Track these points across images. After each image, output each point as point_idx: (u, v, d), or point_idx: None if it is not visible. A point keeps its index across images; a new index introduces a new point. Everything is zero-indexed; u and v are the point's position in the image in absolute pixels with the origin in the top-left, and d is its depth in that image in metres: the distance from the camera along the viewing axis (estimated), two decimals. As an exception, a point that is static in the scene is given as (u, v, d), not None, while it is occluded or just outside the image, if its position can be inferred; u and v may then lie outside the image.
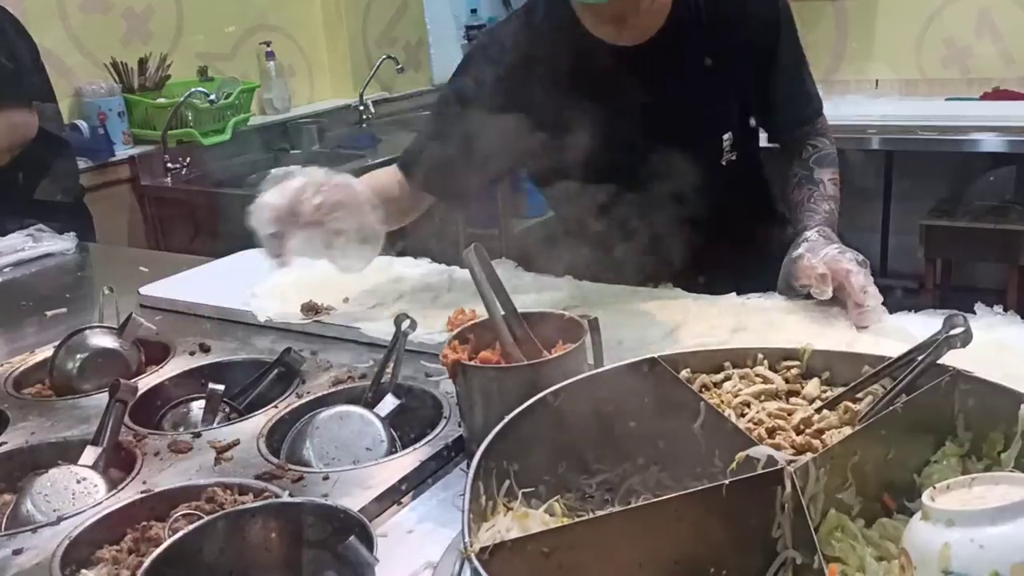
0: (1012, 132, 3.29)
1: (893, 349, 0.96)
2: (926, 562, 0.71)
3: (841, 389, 0.96)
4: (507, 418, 0.91)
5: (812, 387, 0.98)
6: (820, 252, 1.37)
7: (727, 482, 0.77)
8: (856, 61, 4.20)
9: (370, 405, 1.22)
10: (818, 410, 0.94)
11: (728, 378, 1.00)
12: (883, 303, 1.34)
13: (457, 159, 1.56)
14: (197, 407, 1.32)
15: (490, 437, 0.88)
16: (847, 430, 0.88)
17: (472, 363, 1.07)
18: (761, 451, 0.81)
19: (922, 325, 1.25)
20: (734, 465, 0.83)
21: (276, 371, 1.36)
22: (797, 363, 1.00)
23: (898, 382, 0.91)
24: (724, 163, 1.57)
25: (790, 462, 0.80)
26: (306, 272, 1.79)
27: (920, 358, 0.91)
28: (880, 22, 4.12)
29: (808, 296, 1.40)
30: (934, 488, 0.76)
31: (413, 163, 1.65)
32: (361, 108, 4.42)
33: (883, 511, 0.85)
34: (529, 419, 0.92)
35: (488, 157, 1.55)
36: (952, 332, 0.90)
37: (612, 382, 0.98)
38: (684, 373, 1.00)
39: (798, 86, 1.62)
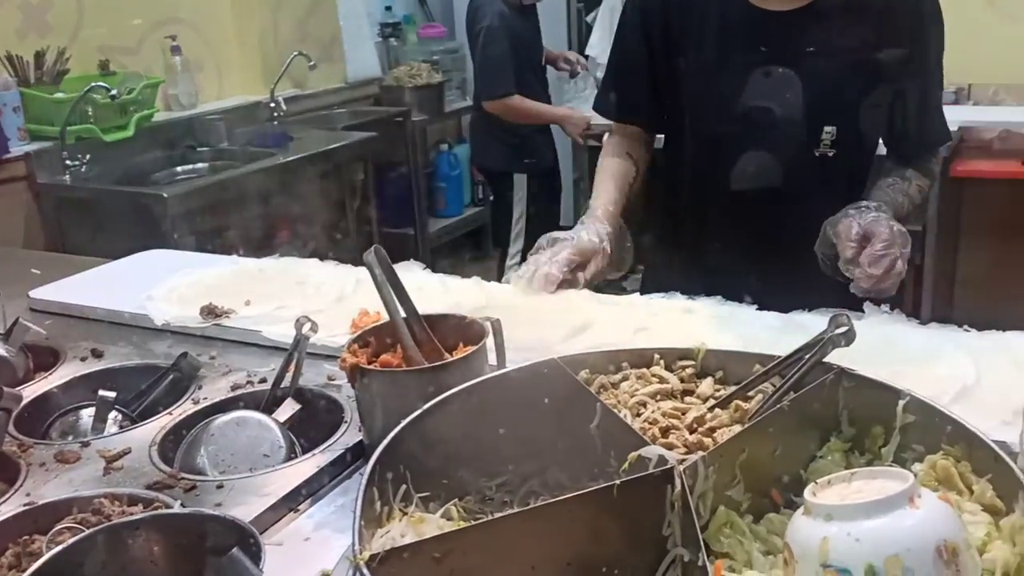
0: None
1: (788, 347, 0.98)
2: (807, 556, 0.73)
3: (733, 388, 0.98)
4: (403, 422, 0.90)
5: (706, 386, 1.00)
6: (867, 216, 1.35)
7: (618, 482, 0.77)
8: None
9: (269, 410, 1.20)
10: (710, 409, 0.95)
11: (626, 378, 1.02)
12: (879, 287, 1.33)
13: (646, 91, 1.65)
14: (87, 415, 1.27)
15: (386, 442, 0.87)
16: (737, 428, 0.90)
17: (371, 367, 1.06)
18: (652, 451, 0.82)
19: (820, 323, 1.29)
20: (626, 465, 0.84)
21: (172, 377, 1.32)
22: (692, 363, 1.02)
23: (786, 380, 0.93)
24: (817, 155, 1.52)
25: (680, 461, 0.81)
26: (205, 274, 1.75)
27: (807, 357, 0.93)
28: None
29: (834, 268, 1.39)
30: (816, 483, 0.78)
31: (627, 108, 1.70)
32: (272, 105, 4.34)
33: (771, 506, 0.87)
34: (428, 422, 0.92)
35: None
36: (837, 331, 0.93)
37: (512, 384, 0.98)
38: (583, 374, 1.01)
39: (933, 106, 1.56)
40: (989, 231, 3.65)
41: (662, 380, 1.00)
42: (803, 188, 1.54)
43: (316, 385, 1.30)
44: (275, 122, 4.33)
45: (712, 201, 1.63)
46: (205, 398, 1.27)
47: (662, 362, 1.03)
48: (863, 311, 1.35)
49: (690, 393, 1.00)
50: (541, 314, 1.45)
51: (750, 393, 0.97)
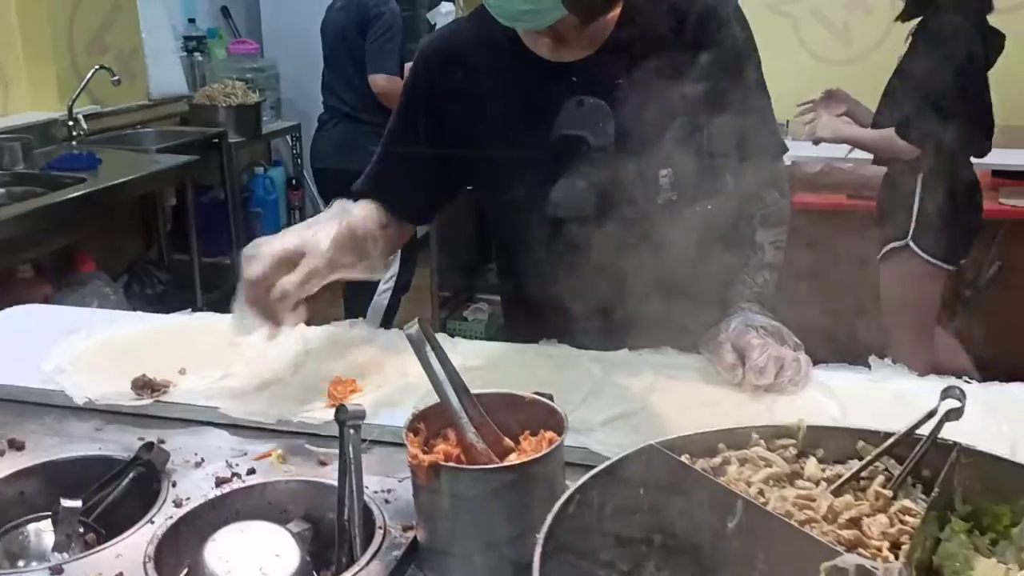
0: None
1: (807, 406, 1.11)
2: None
3: (839, 468, 0.94)
4: (548, 520, 0.78)
5: (812, 467, 0.94)
6: (731, 329, 1.33)
7: (836, 601, 0.70)
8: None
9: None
10: (835, 493, 0.90)
11: (727, 462, 0.94)
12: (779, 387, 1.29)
13: (416, 177, 1.49)
14: (36, 530, 1.02)
15: (539, 548, 0.75)
16: (882, 518, 0.86)
17: (451, 464, 0.92)
18: (849, 560, 0.75)
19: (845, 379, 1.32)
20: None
21: (134, 472, 1.09)
22: (792, 441, 0.97)
23: (910, 460, 0.90)
24: (661, 202, 1.41)
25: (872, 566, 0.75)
26: (113, 336, 1.49)
27: (925, 434, 0.91)
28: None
29: None
30: None
31: (383, 187, 1.50)
32: (71, 123, 3.90)
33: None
34: (564, 523, 0.80)
35: (443, 173, 1.50)
36: (952, 407, 0.91)
37: (620, 475, 0.88)
38: (683, 459, 0.92)
39: (759, 124, 1.45)
40: (814, 260, 3.92)
41: (768, 463, 0.94)
42: (657, 241, 1.37)
43: (308, 473, 1.13)
44: (75, 142, 3.90)
45: (569, 279, 1.41)
46: (188, 498, 1.06)
47: (762, 442, 0.96)
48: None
49: (797, 476, 0.94)
50: (535, 375, 1.34)
51: (863, 475, 0.92)
